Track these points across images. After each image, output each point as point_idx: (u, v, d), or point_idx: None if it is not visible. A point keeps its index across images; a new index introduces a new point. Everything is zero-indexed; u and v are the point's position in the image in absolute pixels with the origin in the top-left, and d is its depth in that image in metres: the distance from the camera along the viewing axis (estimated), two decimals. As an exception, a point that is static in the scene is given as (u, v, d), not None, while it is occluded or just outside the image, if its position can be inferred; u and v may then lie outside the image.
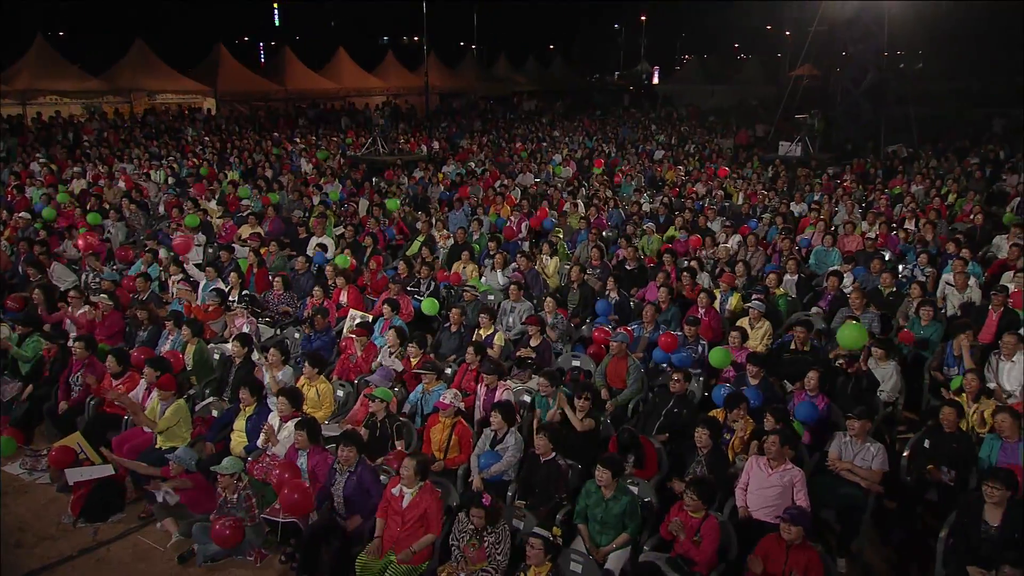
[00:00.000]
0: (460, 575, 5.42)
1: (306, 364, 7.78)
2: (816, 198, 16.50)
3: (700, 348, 8.67)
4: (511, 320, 9.78)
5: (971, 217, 14.38)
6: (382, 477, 6.45)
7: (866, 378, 7.77)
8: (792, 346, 8.62)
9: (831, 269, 10.82)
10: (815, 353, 8.50)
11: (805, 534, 5.33)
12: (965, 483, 6.59)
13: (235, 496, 6.37)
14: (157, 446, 7.27)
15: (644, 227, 13.64)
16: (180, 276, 10.66)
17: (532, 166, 21.44)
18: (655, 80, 60.55)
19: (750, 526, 6.00)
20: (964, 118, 31.41)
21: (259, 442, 6.93)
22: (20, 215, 13.64)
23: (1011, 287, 10.07)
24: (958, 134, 27.78)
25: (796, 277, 10.94)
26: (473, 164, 21.86)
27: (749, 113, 36.71)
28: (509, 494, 6.48)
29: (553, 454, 6.33)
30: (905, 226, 13.99)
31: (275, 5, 73.24)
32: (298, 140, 26.01)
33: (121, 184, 17.29)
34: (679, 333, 8.89)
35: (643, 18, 64.87)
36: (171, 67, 33.82)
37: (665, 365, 8.44)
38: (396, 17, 64.14)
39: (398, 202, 16.17)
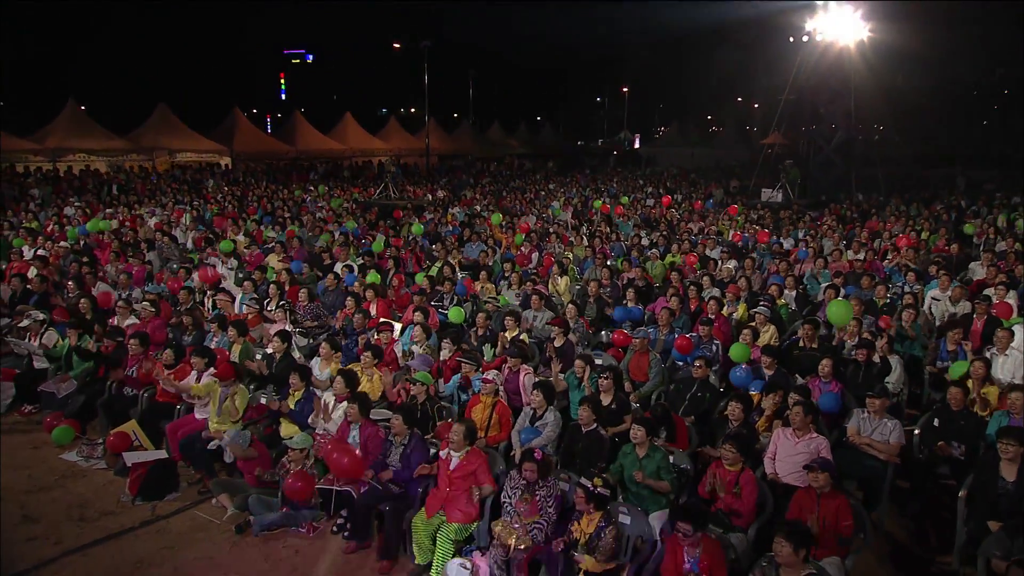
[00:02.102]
0: (514, 527, 5.37)
1: (367, 354, 7.80)
2: (801, 235, 16.80)
3: (714, 347, 8.76)
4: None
5: (947, 248, 14.70)
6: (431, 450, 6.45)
7: (877, 365, 7.86)
8: (800, 344, 8.72)
9: (826, 284, 11.01)
10: (823, 349, 8.58)
11: (832, 481, 5.35)
12: (975, 456, 6.63)
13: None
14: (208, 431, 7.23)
15: (648, 254, 13.83)
16: (219, 291, 10.69)
17: (533, 209, 21.74)
18: (636, 145, 61.97)
19: (780, 489, 6.01)
20: (925, 176, 32.34)
21: (310, 419, 6.91)
22: (60, 244, 13.83)
23: (994, 299, 10.28)
24: (922, 187, 28.51)
25: (795, 292, 11.11)
26: (479, 207, 22.12)
27: (727, 172, 37.49)
28: (550, 466, 6.46)
29: (595, 424, 6.35)
30: (888, 256, 14.26)
31: (282, 82, 75.00)
32: (312, 189, 26.31)
33: (151, 224, 17.44)
34: (693, 335, 8.99)
35: (625, 90, 66.82)
36: (191, 129, 34.45)
37: (681, 363, 8.54)
38: (396, 90, 65.79)
39: (422, 227, 16.44)
